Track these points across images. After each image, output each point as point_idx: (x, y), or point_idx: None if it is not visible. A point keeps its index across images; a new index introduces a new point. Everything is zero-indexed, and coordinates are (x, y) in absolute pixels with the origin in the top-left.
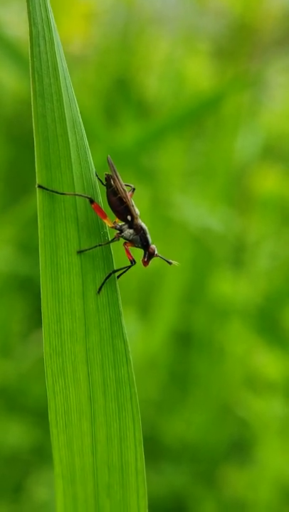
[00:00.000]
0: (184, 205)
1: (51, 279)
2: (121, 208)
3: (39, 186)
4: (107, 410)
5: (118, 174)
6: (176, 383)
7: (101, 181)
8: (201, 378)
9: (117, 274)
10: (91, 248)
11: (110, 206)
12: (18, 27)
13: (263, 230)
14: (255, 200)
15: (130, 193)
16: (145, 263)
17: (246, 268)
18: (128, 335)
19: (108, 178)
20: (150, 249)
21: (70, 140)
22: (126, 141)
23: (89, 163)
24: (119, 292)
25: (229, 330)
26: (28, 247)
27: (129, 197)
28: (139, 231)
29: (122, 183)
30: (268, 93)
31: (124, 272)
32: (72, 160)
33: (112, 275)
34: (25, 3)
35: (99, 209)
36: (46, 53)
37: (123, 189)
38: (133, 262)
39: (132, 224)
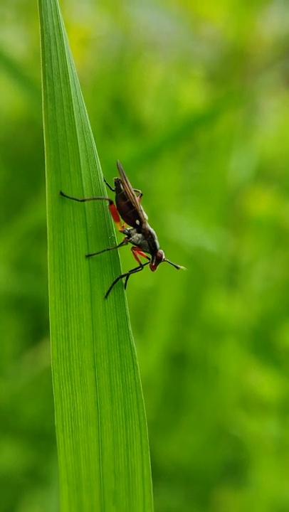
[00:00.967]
0: (179, 225)
1: (59, 282)
2: (130, 213)
3: (61, 194)
4: (114, 416)
5: (127, 179)
6: (170, 404)
7: (109, 186)
8: (196, 399)
9: (124, 278)
10: (99, 252)
11: (119, 211)
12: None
13: (256, 250)
14: (249, 221)
15: (138, 197)
16: (153, 268)
17: (240, 288)
18: None
19: (118, 182)
20: (158, 254)
21: (79, 144)
22: (121, 157)
23: (97, 168)
24: (126, 297)
25: (223, 350)
26: (21, 266)
27: (138, 201)
28: (148, 235)
29: (131, 187)
30: (261, 117)
31: (131, 273)
32: (82, 164)
33: (120, 280)
34: (21, 25)
35: (114, 212)
36: (57, 58)
37: (132, 194)
38: (141, 266)
39: (140, 228)
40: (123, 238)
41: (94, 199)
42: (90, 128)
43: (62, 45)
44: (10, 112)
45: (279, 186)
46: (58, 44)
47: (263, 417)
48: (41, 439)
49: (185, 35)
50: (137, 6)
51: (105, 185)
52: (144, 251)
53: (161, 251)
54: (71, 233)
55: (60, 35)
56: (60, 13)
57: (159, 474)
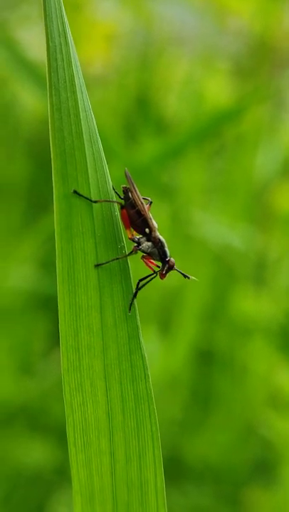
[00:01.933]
0: (205, 223)
1: (68, 293)
2: (139, 221)
3: (74, 192)
4: (126, 427)
5: (136, 187)
6: (198, 402)
7: (118, 194)
8: (224, 397)
9: (134, 287)
10: (108, 262)
11: (128, 219)
12: (38, 49)
13: (284, 246)
14: (276, 217)
15: (148, 205)
16: (163, 276)
17: (268, 285)
18: (148, 353)
19: (126, 190)
20: (170, 263)
21: (87, 153)
22: (145, 156)
23: (106, 177)
24: (136, 306)
25: (251, 348)
26: (49, 265)
27: (147, 209)
28: (158, 244)
29: (140, 195)
30: (288, 111)
31: (148, 282)
32: (90, 173)
33: (131, 288)
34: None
35: (125, 217)
36: (63, 68)
37: (141, 202)
38: (155, 273)
39: (150, 236)
40: (133, 247)
41: (106, 201)
42: (98, 136)
43: (68, 54)
44: (34, 111)
45: None
46: (64, 52)
47: None
48: None
49: (210, 30)
50: (161, 1)
51: (114, 194)
52: (154, 259)
53: (172, 259)
54: (80, 243)
55: (67, 43)
56: (66, 20)
57: (188, 473)
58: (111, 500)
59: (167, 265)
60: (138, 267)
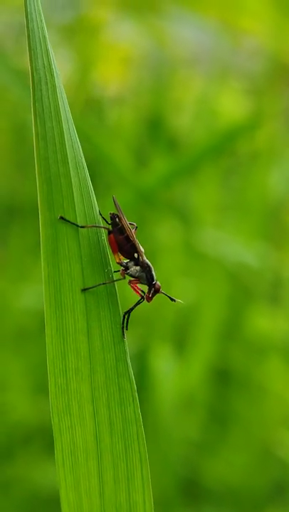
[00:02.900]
0: (219, 241)
1: (55, 317)
2: (128, 246)
3: (61, 218)
4: (114, 450)
5: (123, 213)
6: (215, 422)
7: (106, 220)
8: (241, 417)
9: (123, 311)
10: (95, 286)
11: (117, 244)
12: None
13: None
14: None
15: (134, 230)
16: (149, 299)
17: (284, 304)
18: (164, 372)
19: (114, 217)
20: (156, 286)
21: (72, 180)
22: (155, 176)
23: (92, 203)
24: (125, 332)
25: (267, 367)
26: None
27: (134, 235)
28: (146, 268)
29: (127, 221)
30: None
31: (135, 307)
32: (75, 200)
33: (118, 312)
34: (65, 47)
35: (113, 242)
36: (48, 98)
37: (129, 228)
38: (143, 298)
39: (138, 261)
40: (120, 271)
41: (93, 226)
42: (84, 163)
43: (53, 85)
44: None
45: None
46: (49, 84)
47: None
48: None
49: (225, 49)
50: (176, 22)
51: (101, 219)
52: (141, 283)
53: (158, 283)
54: (66, 267)
55: (52, 75)
56: (51, 53)
57: (207, 494)
58: None
59: (154, 289)
60: (125, 289)
